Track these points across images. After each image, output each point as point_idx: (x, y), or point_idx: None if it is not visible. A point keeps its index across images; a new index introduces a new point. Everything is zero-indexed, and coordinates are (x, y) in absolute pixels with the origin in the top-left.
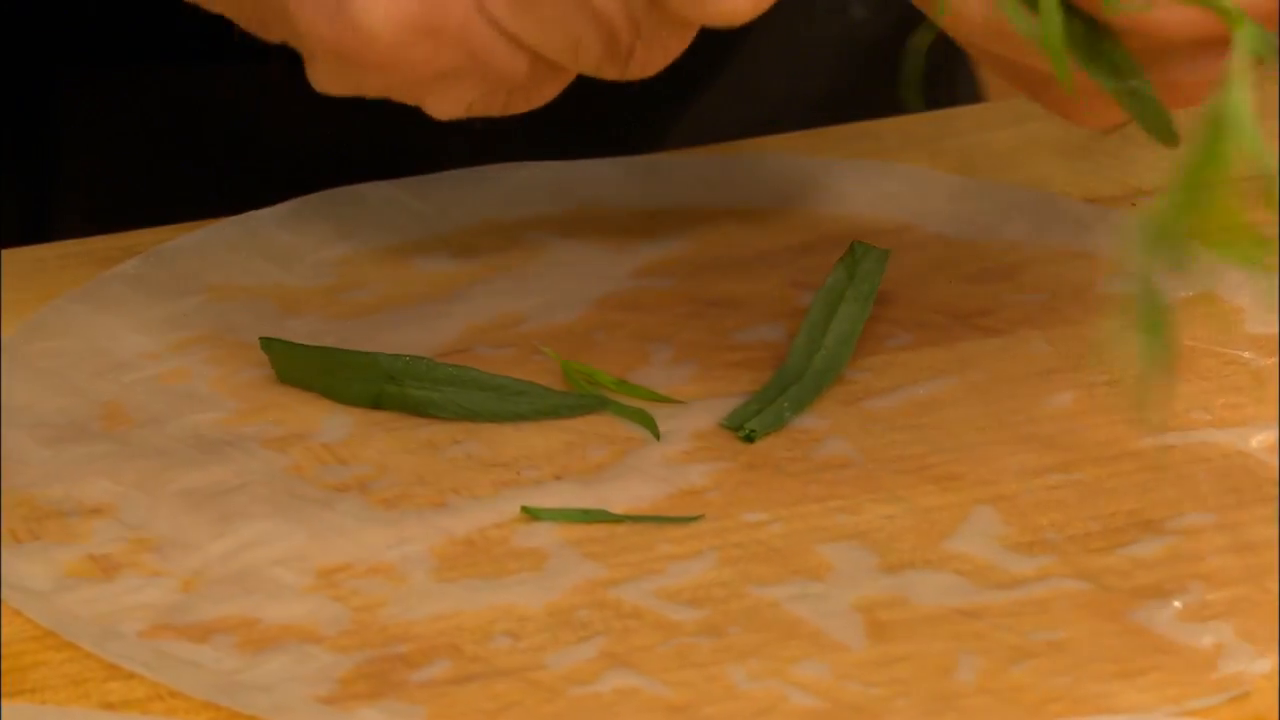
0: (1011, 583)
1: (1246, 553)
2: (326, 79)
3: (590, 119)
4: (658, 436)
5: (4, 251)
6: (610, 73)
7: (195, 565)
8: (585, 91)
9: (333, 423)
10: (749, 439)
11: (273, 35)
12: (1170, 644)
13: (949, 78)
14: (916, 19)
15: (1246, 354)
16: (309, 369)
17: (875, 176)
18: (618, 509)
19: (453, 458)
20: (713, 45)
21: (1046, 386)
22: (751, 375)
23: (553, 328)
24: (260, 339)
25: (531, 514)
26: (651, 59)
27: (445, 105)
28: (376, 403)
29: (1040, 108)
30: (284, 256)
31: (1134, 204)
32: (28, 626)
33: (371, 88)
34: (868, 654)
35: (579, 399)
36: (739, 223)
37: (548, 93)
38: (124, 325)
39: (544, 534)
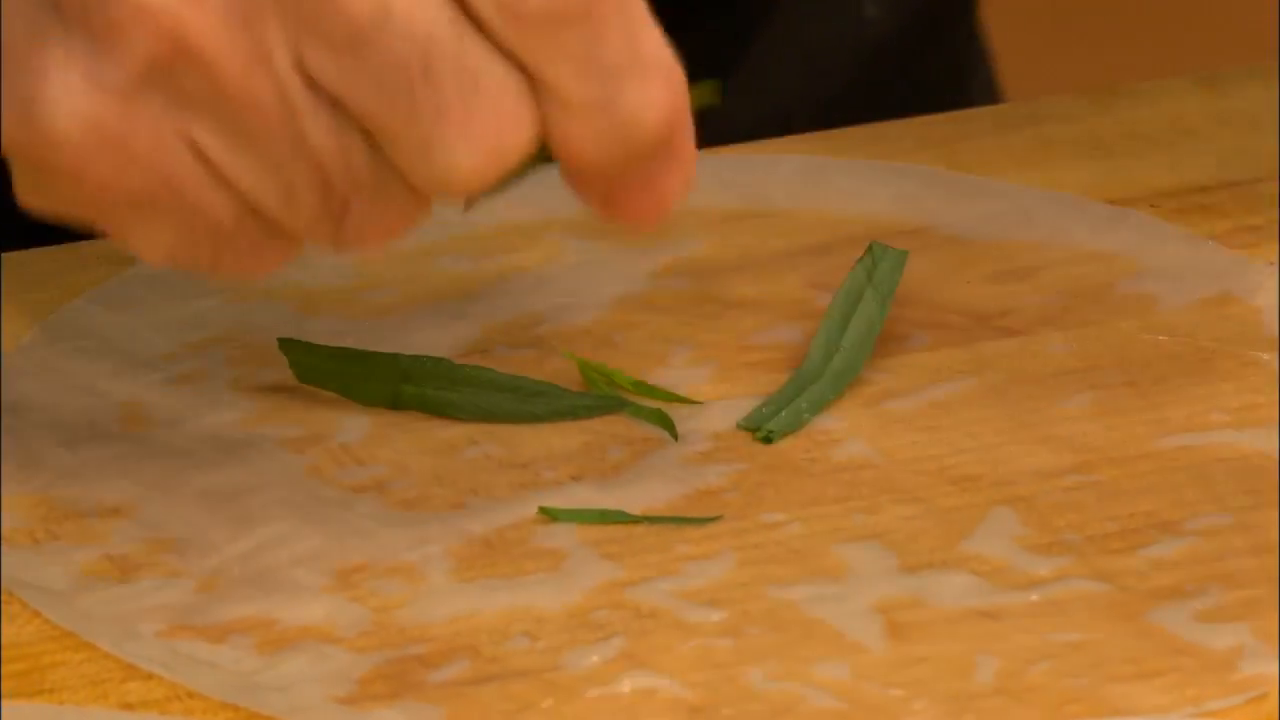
0: (1030, 584)
1: (1265, 554)
2: (25, 188)
3: None
4: (676, 437)
5: (22, 252)
6: (321, 234)
7: (213, 566)
8: None
9: (351, 424)
10: (767, 440)
11: None
12: (1188, 645)
13: (965, 78)
14: (930, 17)
15: (1265, 355)
16: (327, 369)
17: (893, 177)
18: (636, 510)
19: (471, 459)
20: (724, 44)
21: (1065, 387)
22: (770, 376)
23: (571, 328)
24: (278, 339)
25: (549, 515)
26: (369, 225)
27: (144, 243)
28: (395, 403)
29: (1056, 109)
30: (302, 257)
31: (1152, 205)
32: (46, 627)
33: (69, 203)
34: (886, 655)
35: (597, 400)
36: (756, 224)
37: (265, 257)
38: (142, 326)
39: (562, 535)
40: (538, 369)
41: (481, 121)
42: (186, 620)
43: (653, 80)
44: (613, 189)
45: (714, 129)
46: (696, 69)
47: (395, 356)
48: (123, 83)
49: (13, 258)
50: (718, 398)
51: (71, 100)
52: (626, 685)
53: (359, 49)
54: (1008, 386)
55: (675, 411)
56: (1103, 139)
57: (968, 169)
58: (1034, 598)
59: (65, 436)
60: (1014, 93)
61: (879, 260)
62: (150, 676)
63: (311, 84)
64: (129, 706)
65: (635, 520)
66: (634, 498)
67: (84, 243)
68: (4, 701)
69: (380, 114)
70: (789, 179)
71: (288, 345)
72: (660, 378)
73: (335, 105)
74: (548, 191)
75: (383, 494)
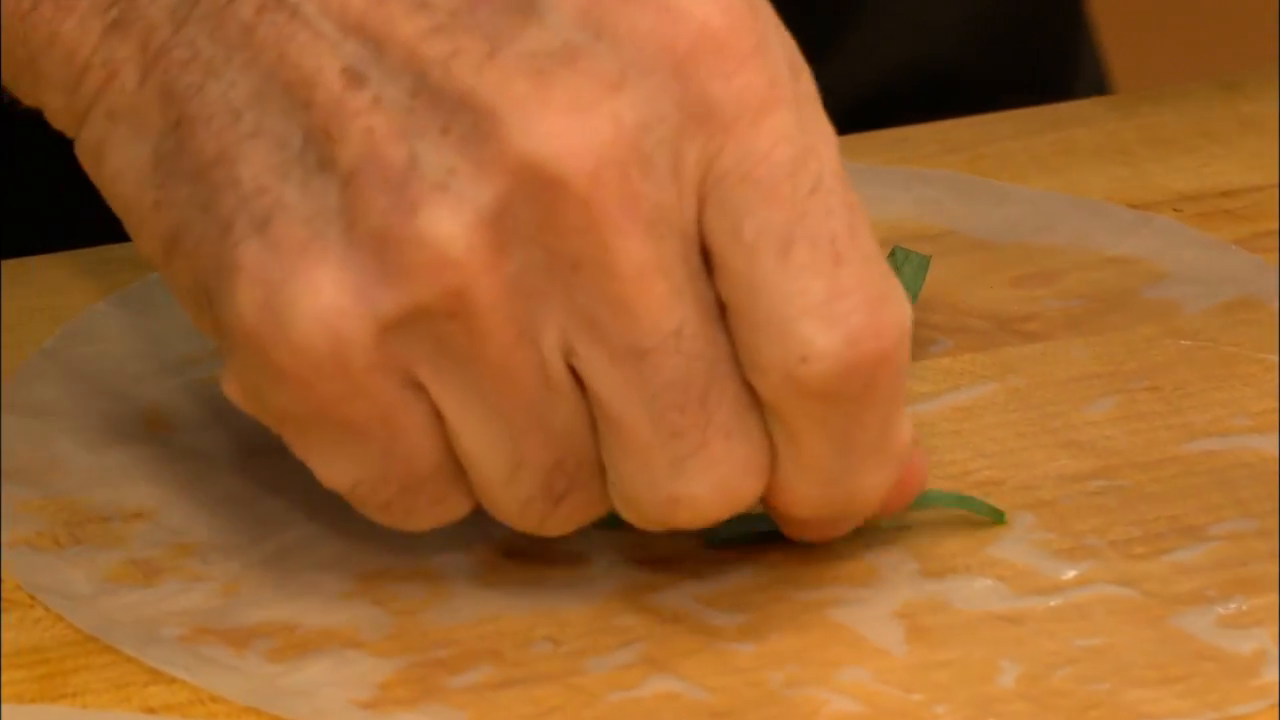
0: (1052, 589)
1: None
2: (233, 374)
3: None
4: None
5: (44, 256)
6: (530, 513)
7: (236, 570)
8: None
9: None
10: None
11: (200, 322)
12: (1211, 650)
13: (1073, 59)
14: None
15: None
16: None
17: (916, 182)
18: None
19: None
20: (831, 15)
21: (1088, 392)
22: None
23: None
24: None
25: None
26: (573, 517)
27: (331, 469)
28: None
29: (1077, 114)
30: None
31: (1176, 210)
32: (69, 631)
33: (273, 405)
34: (908, 659)
35: None
36: None
37: (439, 513)
38: (166, 329)
39: (584, 539)
40: None
41: (728, 461)
42: (209, 624)
43: (887, 469)
44: (805, 528)
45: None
46: (803, 40)
47: None
48: (386, 315)
49: (36, 261)
50: None
51: (327, 313)
52: (649, 690)
53: (639, 361)
54: (1030, 391)
55: None
56: (1126, 143)
57: (990, 173)
58: (1056, 602)
59: (88, 440)
60: (1125, 83)
61: (902, 265)
62: (173, 680)
63: (573, 372)
64: (151, 710)
65: None
66: None
67: (107, 246)
68: (27, 705)
69: (637, 425)
70: None
71: None
72: None
73: (591, 402)
74: None
75: None
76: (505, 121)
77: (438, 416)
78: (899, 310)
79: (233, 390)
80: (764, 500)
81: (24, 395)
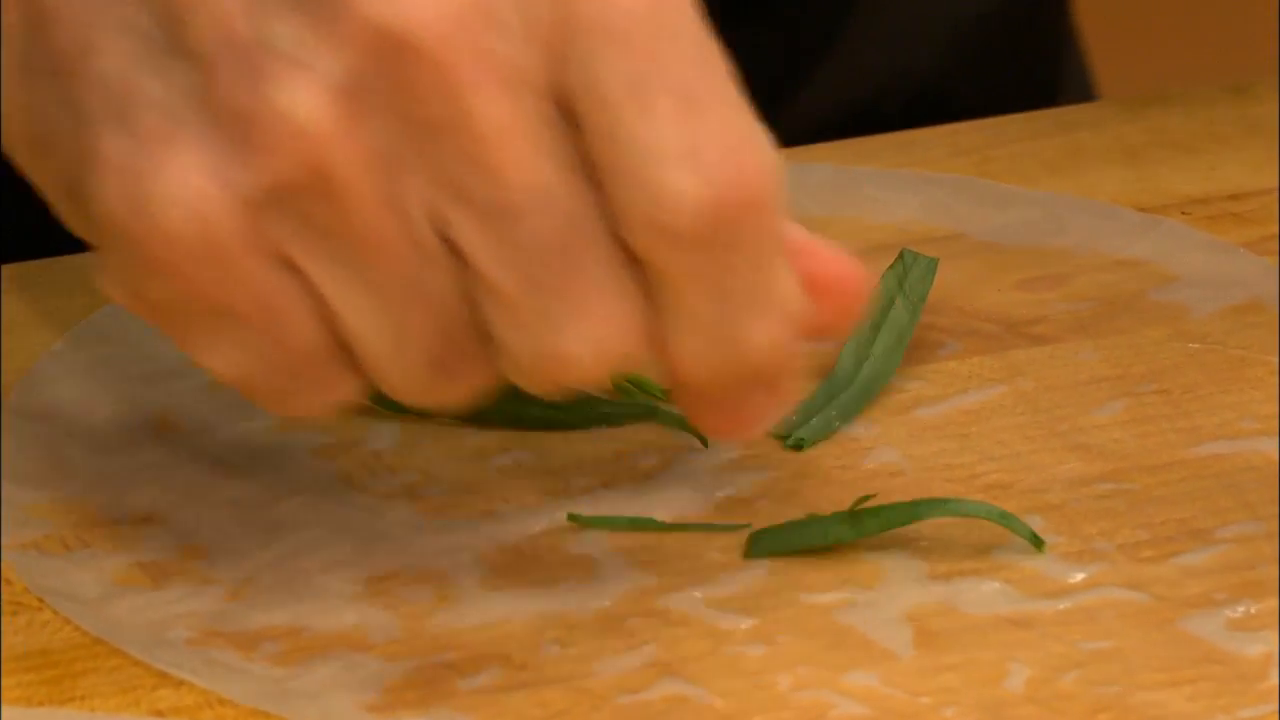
0: (1060, 592)
1: None
2: (110, 271)
3: None
4: (706, 445)
5: (53, 259)
6: (417, 383)
7: (244, 573)
8: None
9: (382, 431)
10: (798, 447)
11: (72, 221)
12: (1220, 653)
13: (1059, 67)
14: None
15: None
16: None
17: (924, 185)
18: (666, 517)
19: (501, 466)
20: (818, 26)
21: (1096, 395)
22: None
23: None
24: None
25: (580, 522)
26: (459, 385)
27: (217, 359)
28: (425, 411)
29: (1085, 117)
30: None
31: (1184, 213)
32: (77, 634)
33: (152, 299)
34: (916, 662)
35: (627, 407)
36: None
37: (330, 395)
38: None
39: (593, 542)
40: None
41: (603, 316)
42: (217, 627)
43: (773, 321)
44: (705, 403)
45: (805, 113)
46: (791, 51)
47: None
48: (250, 195)
49: (44, 264)
50: None
51: (192, 199)
52: (657, 693)
53: (508, 221)
54: (1038, 394)
55: None
56: (1134, 146)
57: (999, 176)
58: (1065, 605)
59: (96, 444)
60: (1109, 89)
61: (910, 267)
62: (181, 683)
63: (442, 237)
64: (159, 713)
65: (666, 528)
66: (664, 505)
67: None
68: (35, 709)
69: (510, 284)
70: (820, 187)
71: None
72: None
73: (464, 266)
74: None
75: (413, 501)
76: None
77: (317, 296)
78: (762, 155)
79: (110, 288)
80: (664, 373)
81: (32, 398)
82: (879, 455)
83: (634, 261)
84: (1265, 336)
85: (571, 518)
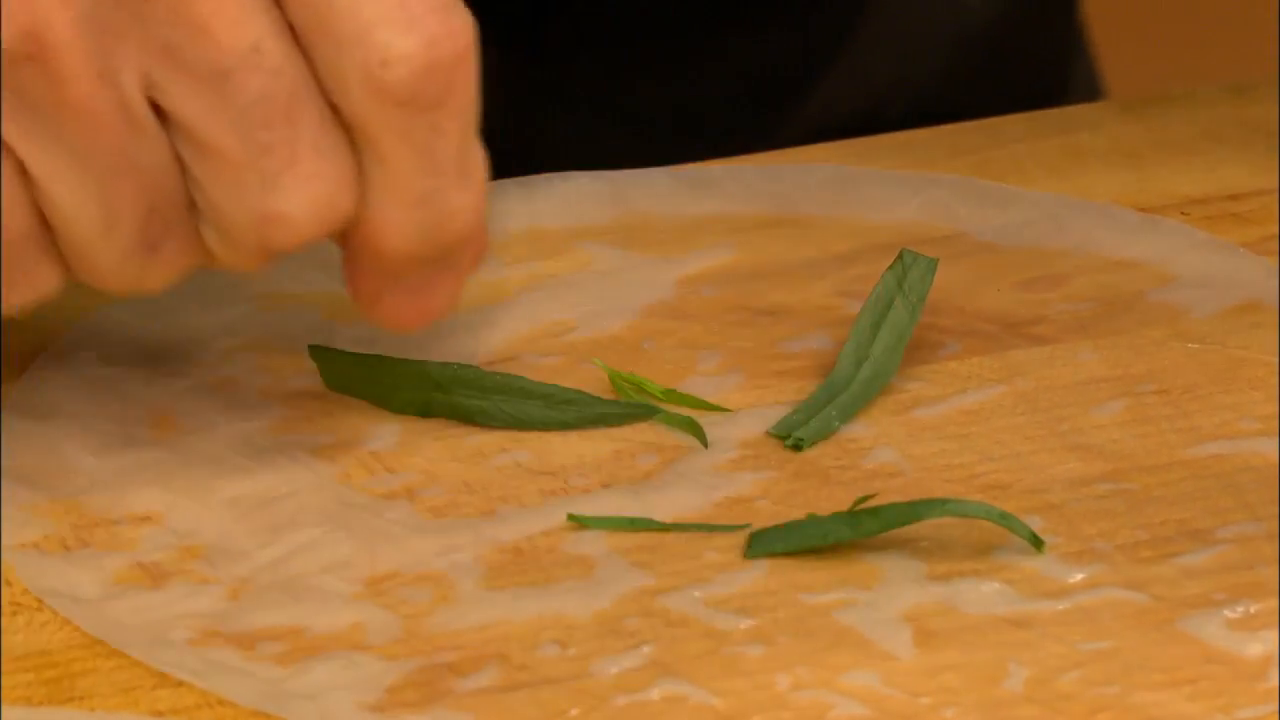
0: (1060, 592)
1: None
2: None
3: (698, 110)
4: (706, 445)
5: None
6: (129, 264)
7: (243, 573)
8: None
9: (381, 431)
10: (797, 447)
11: None
12: (1219, 653)
13: (1066, 70)
14: (1031, 6)
15: None
16: (357, 377)
17: (924, 185)
18: (666, 517)
19: (501, 466)
20: (823, 33)
21: (1095, 395)
22: (799, 384)
23: (601, 336)
24: (309, 346)
25: (579, 522)
26: (173, 262)
27: None
28: (425, 411)
29: (1085, 118)
30: (333, 264)
31: (1183, 213)
32: (76, 634)
33: None
34: (916, 662)
35: (627, 407)
36: (786, 231)
37: (34, 282)
38: (172, 332)
39: (592, 542)
40: (567, 377)
41: (320, 177)
42: (217, 627)
43: (472, 193)
44: (387, 288)
45: (812, 118)
46: (796, 59)
47: (425, 364)
48: None
49: None
50: (748, 405)
51: None
52: (656, 693)
53: (221, 81)
54: (1038, 394)
55: (705, 419)
56: (1133, 147)
57: (998, 177)
58: (1064, 606)
59: (95, 443)
60: (1117, 88)
61: (909, 268)
62: (180, 684)
63: (154, 105)
64: (159, 714)
65: (665, 528)
66: (664, 505)
67: None
68: (35, 709)
69: (227, 147)
70: (819, 187)
71: (318, 353)
72: (690, 385)
73: (176, 133)
74: (576, 200)
75: (413, 501)
76: None
77: (26, 177)
78: (465, 15)
79: None
80: (353, 250)
81: (31, 398)
82: (878, 455)
83: (344, 127)
84: (1265, 337)
85: (571, 518)
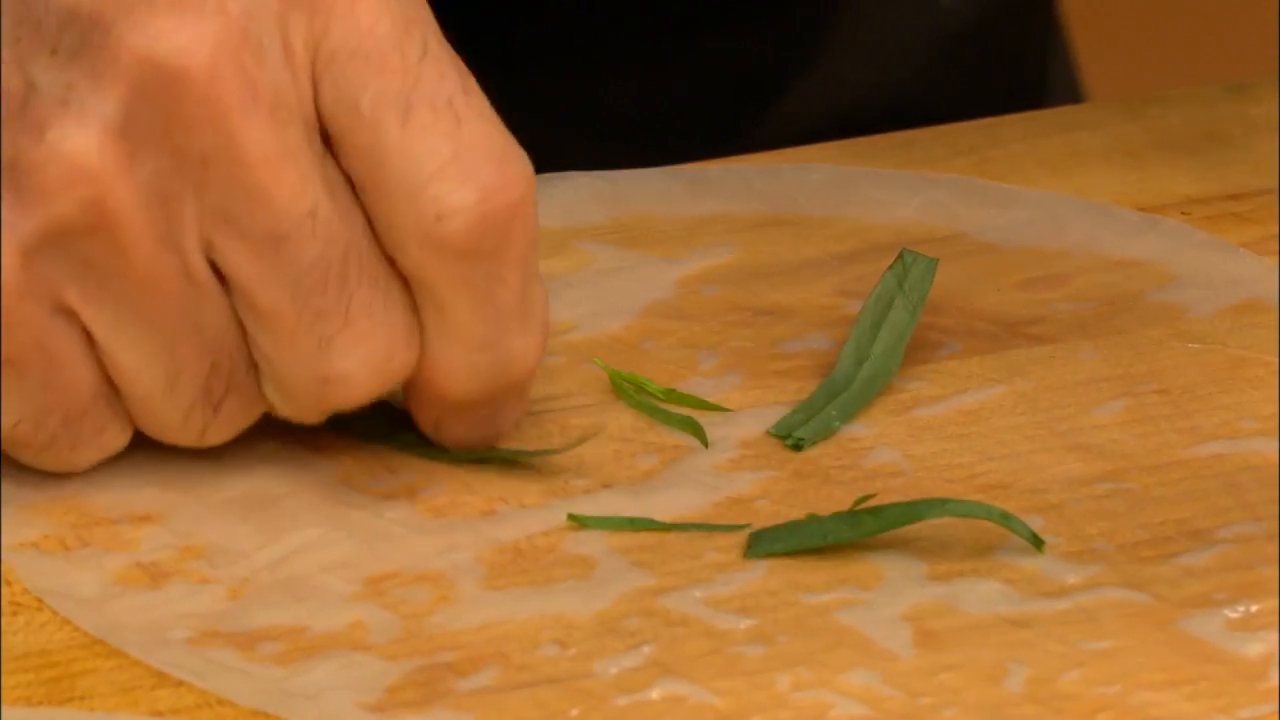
0: (1060, 592)
1: None
2: None
3: (672, 115)
4: (706, 445)
5: None
6: (192, 425)
7: (243, 573)
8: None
9: None
10: (797, 447)
11: None
12: (1220, 653)
13: (1044, 73)
14: (1009, 8)
15: None
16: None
17: (924, 185)
18: (666, 517)
19: (501, 466)
20: (799, 35)
21: (1096, 395)
22: (799, 384)
23: (601, 336)
24: None
25: (579, 522)
26: (234, 422)
27: None
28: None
29: (1087, 116)
30: None
31: (1183, 213)
32: (76, 634)
33: None
34: (916, 662)
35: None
36: (786, 231)
37: (103, 443)
38: None
39: (592, 542)
40: (567, 377)
41: (373, 334)
42: (217, 627)
43: (534, 333)
44: (449, 419)
45: (790, 121)
46: (771, 61)
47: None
48: (28, 241)
49: None
50: (748, 405)
51: None
52: (656, 693)
53: (277, 247)
54: (1038, 394)
55: (705, 419)
56: (1133, 146)
57: (998, 176)
58: (1064, 606)
59: None
60: (1098, 91)
61: (909, 267)
62: (180, 684)
63: (215, 270)
64: (159, 714)
65: (665, 528)
66: (664, 505)
67: None
68: (34, 709)
69: (283, 311)
70: (819, 187)
71: None
72: (690, 385)
73: (235, 295)
74: (576, 200)
75: (413, 501)
76: (115, 28)
77: (90, 340)
78: (523, 164)
79: None
80: (416, 388)
81: None
82: (878, 455)
83: (401, 279)
84: (1265, 336)
85: (571, 518)
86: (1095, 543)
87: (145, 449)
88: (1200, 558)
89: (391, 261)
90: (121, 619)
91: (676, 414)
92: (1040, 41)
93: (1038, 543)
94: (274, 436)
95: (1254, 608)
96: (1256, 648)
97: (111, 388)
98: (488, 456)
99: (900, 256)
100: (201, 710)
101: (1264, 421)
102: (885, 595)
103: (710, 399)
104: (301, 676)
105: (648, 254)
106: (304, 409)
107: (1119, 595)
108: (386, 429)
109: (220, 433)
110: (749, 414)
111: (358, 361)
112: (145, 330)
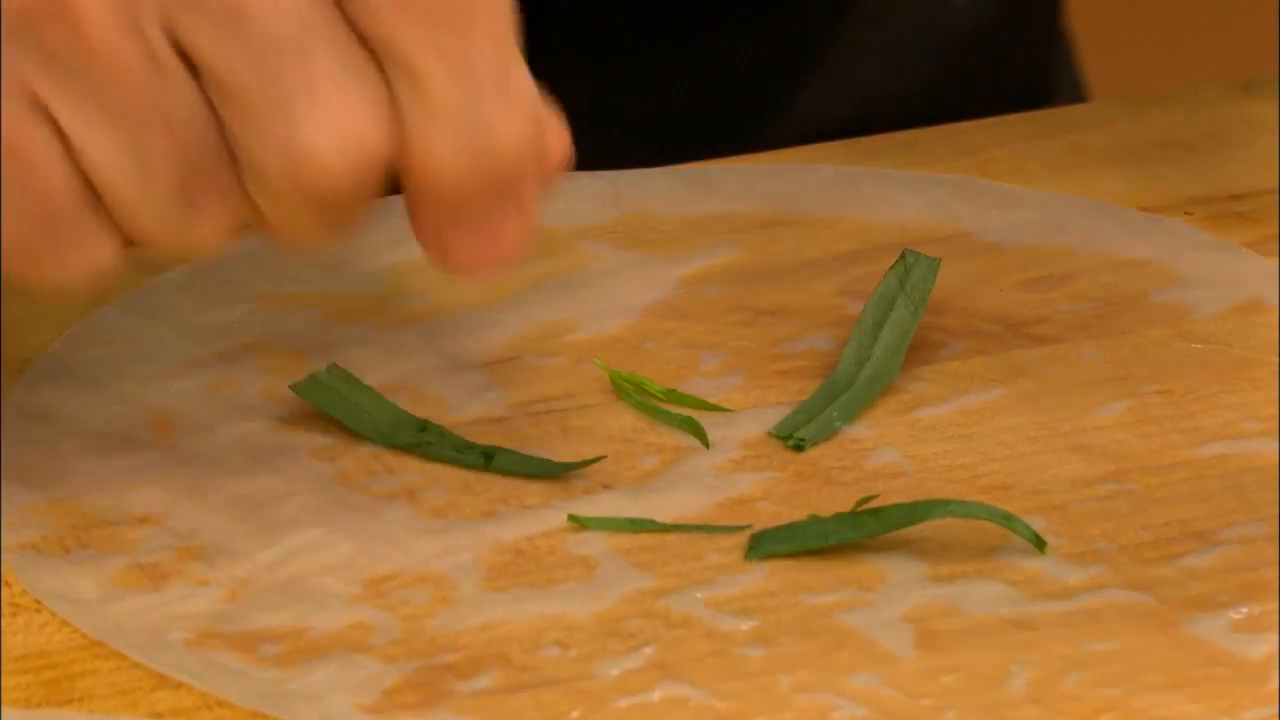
0: (1063, 593)
1: None
2: None
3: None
4: (707, 445)
5: None
6: (169, 220)
7: (242, 574)
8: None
9: None
10: (798, 448)
11: None
12: (1223, 655)
13: (1051, 74)
14: (1016, 9)
15: None
16: (343, 407)
17: (926, 185)
18: (667, 518)
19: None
20: (808, 36)
21: (1098, 396)
22: (801, 384)
23: (602, 336)
24: (290, 384)
25: (580, 523)
26: (215, 217)
27: None
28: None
29: (1089, 116)
30: (333, 264)
31: (1186, 213)
32: (75, 635)
33: None
34: (918, 664)
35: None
36: (788, 231)
37: (94, 251)
38: (171, 333)
39: (593, 543)
40: (567, 377)
41: (346, 107)
42: (216, 629)
43: (518, 111)
44: (451, 224)
45: (796, 125)
46: (775, 62)
47: (408, 417)
48: None
49: None
50: (749, 406)
51: None
52: (657, 694)
53: (239, 21)
54: (1040, 395)
55: (706, 419)
56: (1136, 146)
57: (1001, 176)
58: (1067, 607)
59: (94, 444)
60: (1101, 91)
61: (911, 268)
62: (180, 685)
63: (180, 53)
64: (158, 715)
65: (666, 529)
66: (665, 506)
67: None
68: (34, 710)
69: (250, 88)
70: (821, 187)
71: (304, 388)
72: (691, 386)
73: (201, 77)
74: (578, 199)
75: (413, 502)
76: None
77: (64, 137)
78: None
79: None
80: (408, 185)
81: (30, 399)
82: (880, 456)
83: (374, 57)
84: (1268, 337)
85: (572, 518)
86: (1098, 544)
87: (145, 449)
88: (1203, 559)
89: (361, 34)
90: (121, 620)
91: (677, 414)
92: (1046, 45)
93: (1040, 544)
94: (274, 437)
95: (1257, 609)
96: (1260, 649)
97: (90, 189)
98: (510, 470)
99: (902, 256)
100: (200, 712)
101: (1267, 422)
102: (887, 596)
103: (711, 399)
104: (301, 678)
105: (649, 254)
106: (281, 199)
107: (1122, 597)
108: (387, 429)
109: (204, 235)
110: (750, 414)
111: (326, 135)
112: (113, 119)
